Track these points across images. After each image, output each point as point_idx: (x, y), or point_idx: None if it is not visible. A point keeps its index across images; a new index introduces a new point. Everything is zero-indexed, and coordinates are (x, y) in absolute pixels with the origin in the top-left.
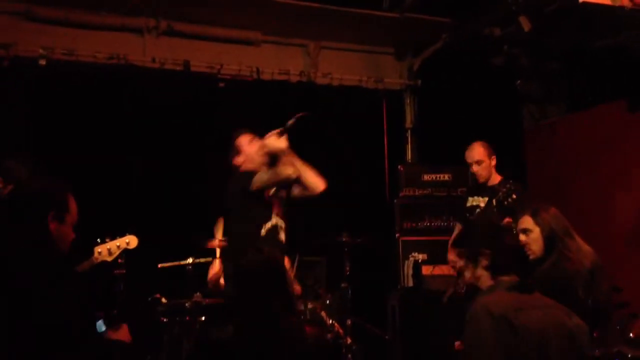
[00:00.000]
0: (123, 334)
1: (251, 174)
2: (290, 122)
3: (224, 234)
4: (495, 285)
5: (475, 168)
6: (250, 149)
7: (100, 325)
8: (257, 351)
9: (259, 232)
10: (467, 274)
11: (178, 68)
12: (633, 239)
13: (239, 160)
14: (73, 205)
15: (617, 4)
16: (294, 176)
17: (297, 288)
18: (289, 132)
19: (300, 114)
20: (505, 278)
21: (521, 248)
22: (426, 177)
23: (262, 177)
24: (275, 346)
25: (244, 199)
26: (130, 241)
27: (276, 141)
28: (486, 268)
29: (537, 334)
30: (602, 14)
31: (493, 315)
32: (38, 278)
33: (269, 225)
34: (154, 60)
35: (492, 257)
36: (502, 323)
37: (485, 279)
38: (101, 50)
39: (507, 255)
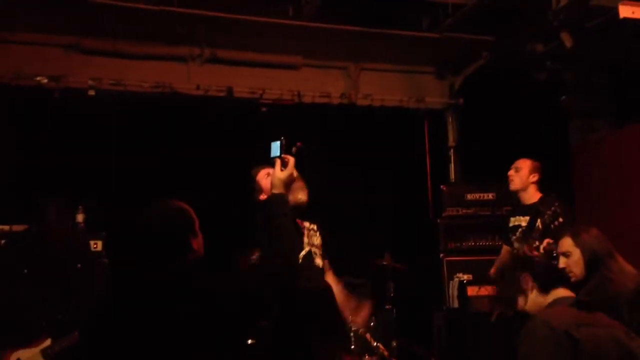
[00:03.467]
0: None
1: None
2: (293, 150)
3: None
4: (555, 301)
5: (511, 172)
6: (267, 184)
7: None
8: None
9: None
10: (521, 303)
11: (221, 94)
12: None
13: (261, 197)
14: (192, 212)
15: None
16: (305, 199)
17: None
18: (297, 157)
19: (299, 144)
20: (560, 292)
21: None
22: (470, 197)
23: None
24: None
25: None
26: None
27: (281, 174)
28: (534, 288)
29: (596, 350)
30: None
31: (553, 328)
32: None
33: (303, 253)
34: (198, 88)
35: (534, 277)
36: (562, 337)
37: (538, 298)
38: (147, 79)
39: (546, 272)
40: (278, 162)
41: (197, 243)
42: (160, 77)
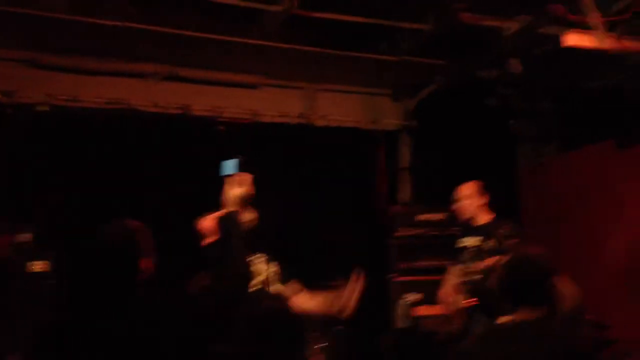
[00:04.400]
0: None
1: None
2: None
3: None
4: None
5: (455, 205)
6: (210, 225)
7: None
8: None
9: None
10: None
11: (179, 112)
12: (626, 277)
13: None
14: (146, 232)
15: (601, 47)
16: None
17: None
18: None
19: (239, 157)
20: None
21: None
22: (420, 217)
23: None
24: None
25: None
26: None
27: (237, 191)
28: None
29: None
30: (587, 56)
31: None
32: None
33: (254, 282)
34: (155, 105)
35: None
36: None
37: None
38: (103, 95)
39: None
40: (231, 180)
41: (148, 263)
42: (117, 93)
